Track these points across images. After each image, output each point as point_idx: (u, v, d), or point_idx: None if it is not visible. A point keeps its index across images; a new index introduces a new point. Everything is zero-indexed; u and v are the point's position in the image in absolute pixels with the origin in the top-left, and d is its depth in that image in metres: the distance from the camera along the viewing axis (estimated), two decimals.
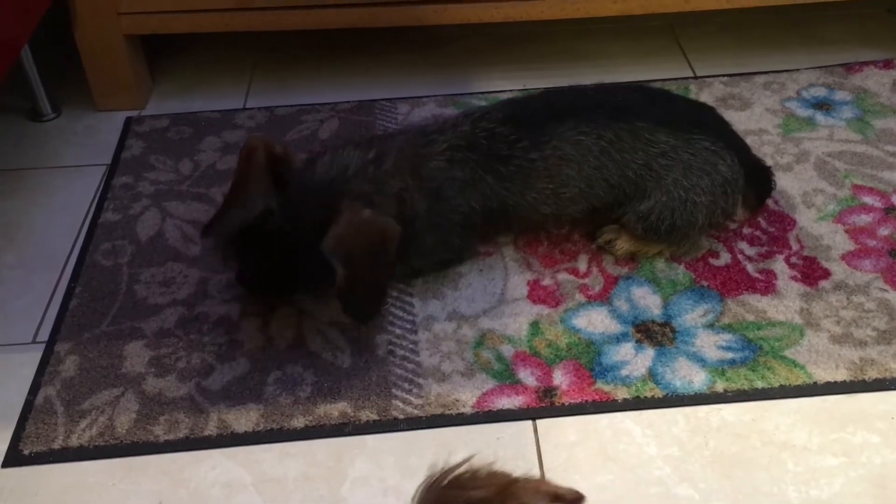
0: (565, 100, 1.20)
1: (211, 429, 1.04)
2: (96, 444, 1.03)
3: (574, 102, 1.18)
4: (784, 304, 1.15)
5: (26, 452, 1.02)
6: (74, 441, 1.03)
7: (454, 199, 1.15)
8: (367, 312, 1.11)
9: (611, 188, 1.16)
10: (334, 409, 1.05)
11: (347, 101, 1.58)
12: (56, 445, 1.03)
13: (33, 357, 1.14)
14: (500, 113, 1.17)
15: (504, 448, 1.01)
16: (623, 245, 1.20)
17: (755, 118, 1.49)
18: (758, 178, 1.24)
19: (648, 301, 1.17)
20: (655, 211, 1.15)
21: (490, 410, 1.04)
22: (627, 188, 1.16)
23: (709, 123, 1.21)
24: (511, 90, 1.59)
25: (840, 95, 1.53)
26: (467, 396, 1.06)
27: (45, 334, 1.17)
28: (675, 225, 1.16)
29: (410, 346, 1.13)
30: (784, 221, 1.28)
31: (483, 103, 1.55)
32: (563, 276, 1.21)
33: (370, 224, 1.05)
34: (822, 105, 1.51)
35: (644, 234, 1.18)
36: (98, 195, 1.40)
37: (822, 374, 1.06)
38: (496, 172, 1.15)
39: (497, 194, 1.16)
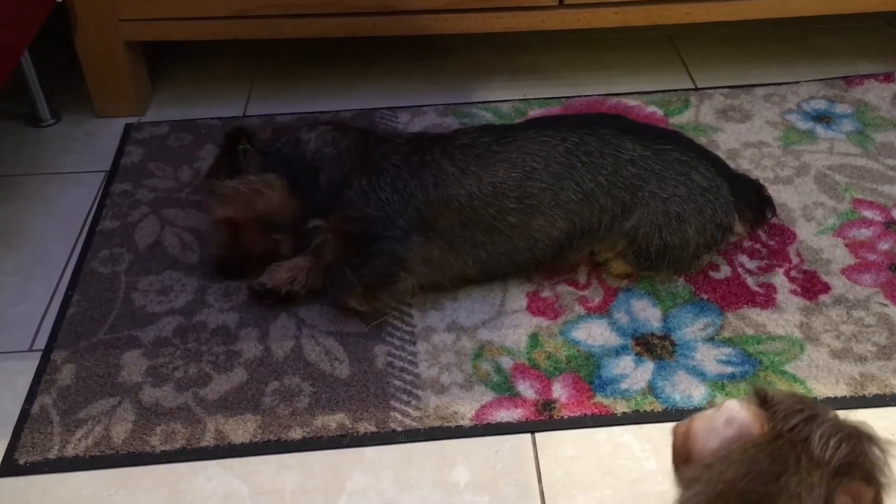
0: (527, 121, 1.26)
1: (208, 439, 1.03)
2: (92, 454, 1.02)
3: (536, 120, 1.24)
4: (784, 318, 1.15)
5: (21, 462, 1.01)
6: (70, 451, 1.02)
7: (389, 158, 1.15)
8: (233, 268, 1.22)
9: (584, 197, 1.12)
10: (332, 421, 1.05)
11: (348, 110, 1.58)
12: (52, 455, 1.02)
13: (30, 365, 1.13)
14: (470, 128, 1.22)
15: (502, 461, 1.01)
16: (619, 267, 1.19)
17: (755, 130, 1.49)
18: (745, 190, 1.22)
19: (648, 314, 1.16)
20: (641, 229, 1.13)
21: (489, 423, 1.04)
22: (602, 198, 1.13)
23: (675, 138, 1.20)
24: (511, 100, 1.59)
25: (840, 108, 1.53)
26: (466, 409, 1.05)
27: (41, 342, 1.16)
28: (667, 245, 1.14)
29: (409, 357, 1.12)
30: (784, 235, 1.27)
31: (483, 113, 1.55)
32: (562, 288, 1.21)
33: (249, 187, 1.17)
34: (823, 118, 1.51)
35: (636, 262, 1.16)
36: (96, 202, 1.39)
37: (823, 390, 1.06)
38: (451, 155, 1.15)
39: (450, 179, 1.13)
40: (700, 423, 0.67)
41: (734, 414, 0.65)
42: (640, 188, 1.13)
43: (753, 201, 1.24)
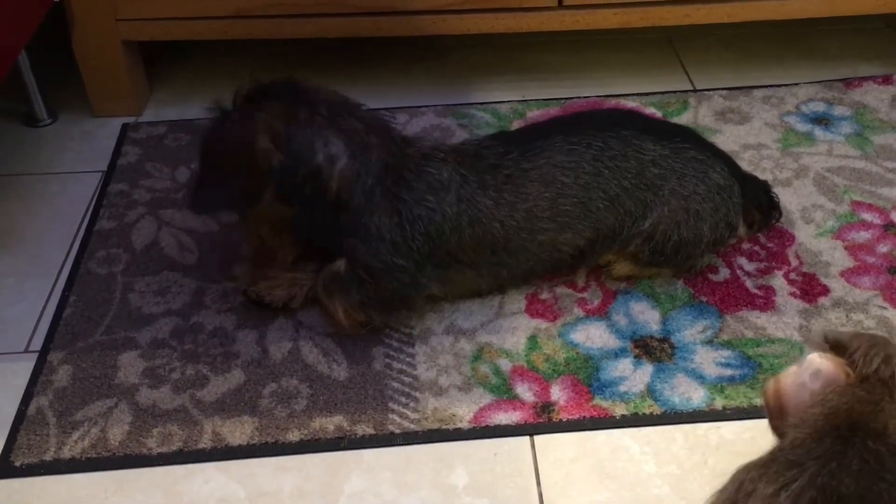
0: (546, 124, 1.21)
1: (205, 442, 1.03)
2: (88, 456, 1.01)
3: (556, 123, 1.20)
4: (783, 320, 1.15)
5: (17, 464, 1.01)
6: (66, 453, 1.02)
7: (423, 200, 1.07)
8: (203, 204, 1.14)
9: (610, 203, 1.13)
10: (330, 423, 1.04)
11: None
12: (48, 457, 1.01)
13: (26, 366, 1.12)
14: (485, 139, 1.17)
15: (501, 464, 1.00)
16: (622, 268, 1.19)
17: (754, 132, 1.48)
18: (755, 192, 1.23)
19: (647, 316, 1.16)
20: (661, 227, 1.13)
21: (487, 426, 1.04)
22: (627, 202, 1.13)
23: (690, 136, 1.20)
24: (510, 100, 1.59)
25: (839, 110, 1.53)
26: (464, 411, 1.05)
27: (38, 343, 1.16)
28: (682, 240, 1.14)
29: (407, 359, 1.12)
30: (783, 237, 1.27)
31: (482, 114, 1.55)
32: (561, 290, 1.20)
33: (245, 128, 1.06)
34: (822, 120, 1.51)
35: (650, 257, 1.16)
36: (93, 202, 1.39)
37: None
38: (482, 181, 1.09)
39: (481, 208, 1.08)
40: (788, 380, 0.72)
41: (819, 367, 0.70)
42: (662, 187, 1.13)
43: (763, 203, 1.24)
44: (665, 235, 1.14)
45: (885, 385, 0.67)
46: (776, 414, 0.71)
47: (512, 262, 1.14)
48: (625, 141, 1.13)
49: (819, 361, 0.69)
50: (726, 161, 1.19)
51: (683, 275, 1.21)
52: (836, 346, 0.71)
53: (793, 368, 0.69)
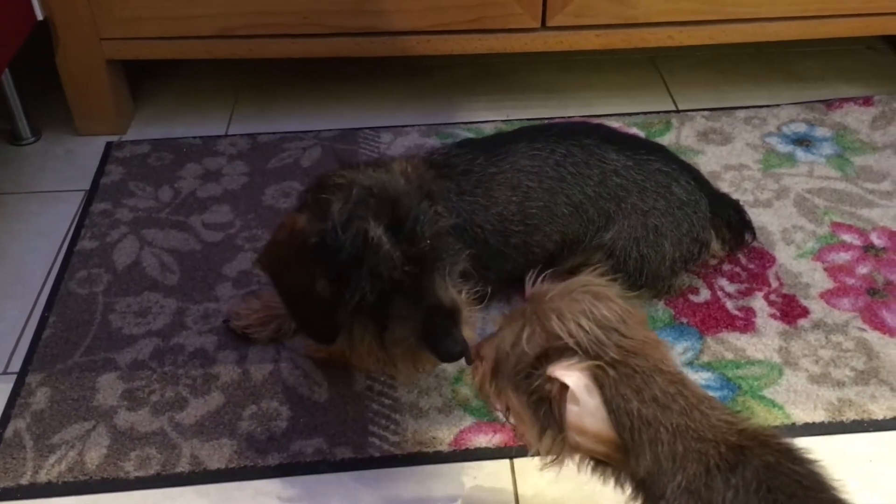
0: (512, 132, 1.21)
1: (183, 465, 1.02)
2: (65, 479, 1.00)
3: (522, 131, 1.20)
4: (763, 342, 1.15)
5: None
6: (43, 477, 1.01)
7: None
8: (320, 330, 1.02)
9: (574, 209, 1.13)
10: (309, 446, 1.04)
11: (330, 130, 1.58)
12: (24, 481, 1.00)
13: (4, 388, 1.12)
14: (451, 147, 1.17)
15: (480, 488, 1.00)
16: None
17: (736, 153, 1.49)
18: (725, 210, 1.23)
19: None
20: (620, 241, 1.14)
21: (467, 449, 1.03)
22: (590, 209, 1.13)
23: (656, 149, 1.20)
24: (494, 120, 1.60)
25: (820, 132, 1.54)
26: (445, 434, 1.05)
27: (16, 365, 1.15)
28: (644, 258, 1.14)
29: (388, 380, 1.12)
30: (764, 258, 1.28)
31: (466, 133, 1.55)
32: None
33: (289, 229, 0.96)
34: (803, 141, 1.52)
35: (615, 277, 1.16)
36: (75, 222, 1.38)
37: (801, 415, 1.06)
38: (457, 185, 1.10)
39: (462, 209, 1.09)
40: (585, 419, 0.73)
41: (578, 381, 0.72)
42: (624, 199, 1.14)
43: (733, 222, 1.24)
44: (625, 252, 1.14)
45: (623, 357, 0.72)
46: (612, 449, 0.73)
47: (493, 266, 1.14)
48: (587, 150, 1.14)
49: (574, 377, 0.71)
50: (693, 175, 1.19)
51: (663, 296, 1.21)
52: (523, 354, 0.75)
53: (572, 408, 0.71)
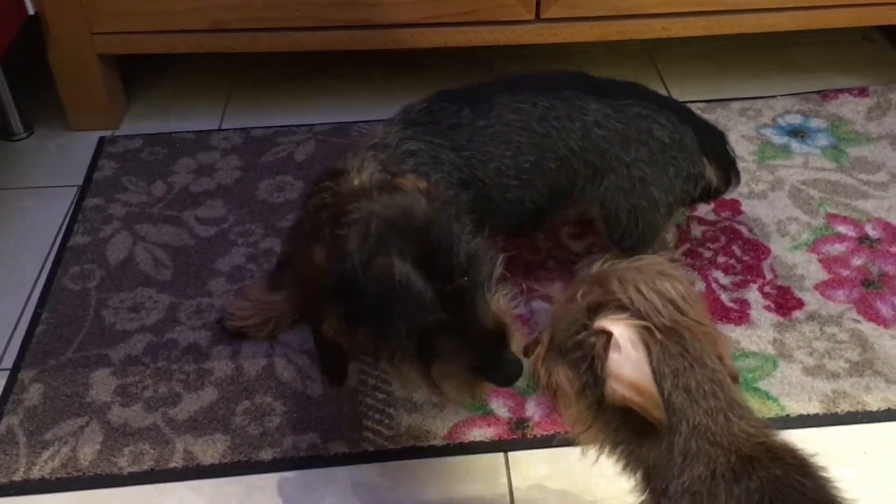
0: (490, 84, 1.16)
1: (177, 460, 1.02)
2: (58, 476, 1.00)
3: (500, 82, 1.16)
4: (757, 334, 1.15)
5: None
6: (36, 473, 1.01)
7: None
8: (330, 371, 1.00)
9: (561, 164, 1.11)
10: (303, 441, 1.04)
11: (324, 124, 1.57)
12: (17, 477, 1.00)
13: None
14: (430, 99, 1.12)
15: (475, 481, 1.00)
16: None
17: (731, 145, 1.49)
18: (712, 143, 1.19)
19: None
20: (609, 193, 1.12)
21: (461, 442, 1.03)
22: (576, 163, 1.11)
23: (637, 91, 1.18)
24: None
25: (815, 123, 1.54)
26: (439, 427, 1.05)
27: (9, 361, 1.15)
28: (635, 207, 1.12)
29: (382, 375, 1.11)
30: (758, 250, 1.28)
31: None
32: (537, 304, 1.20)
33: (310, 263, 0.90)
34: (798, 132, 1.52)
35: (610, 234, 1.14)
36: (68, 217, 1.38)
37: (795, 407, 1.06)
38: (450, 141, 1.06)
39: (461, 165, 1.05)
40: (625, 368, 0.70)
41: (623, 333, 0.71)
42: (607, 150, 1.11)
43: (720, 155, 1.20)
44: (615, 204, 1.12)
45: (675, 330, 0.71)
46: (652, 404, 0.70)
47: (489, 220, 1.05)
48: (568, 102, 1.12)
49: (620, 327, 0.70)
50: (675, 111, 1.17)
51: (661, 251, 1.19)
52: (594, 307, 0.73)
53: (613, 355, 0.70)
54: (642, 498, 0.75)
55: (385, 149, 1.02)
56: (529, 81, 1.16)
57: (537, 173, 1.11)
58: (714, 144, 1.19)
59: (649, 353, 0.70)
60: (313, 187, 1.00)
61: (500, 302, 0.92)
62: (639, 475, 0.75)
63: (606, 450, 0.78)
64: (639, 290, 0.71)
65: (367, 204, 0.88)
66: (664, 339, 0.70)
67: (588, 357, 0.72)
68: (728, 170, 1.21)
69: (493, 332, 0.88)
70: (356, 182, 0.95)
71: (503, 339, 0.89)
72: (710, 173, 1.18)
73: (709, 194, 1.22)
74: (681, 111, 1.18)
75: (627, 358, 0.69)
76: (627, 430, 0.73)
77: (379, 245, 0.84)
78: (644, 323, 0.70)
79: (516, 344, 0.91)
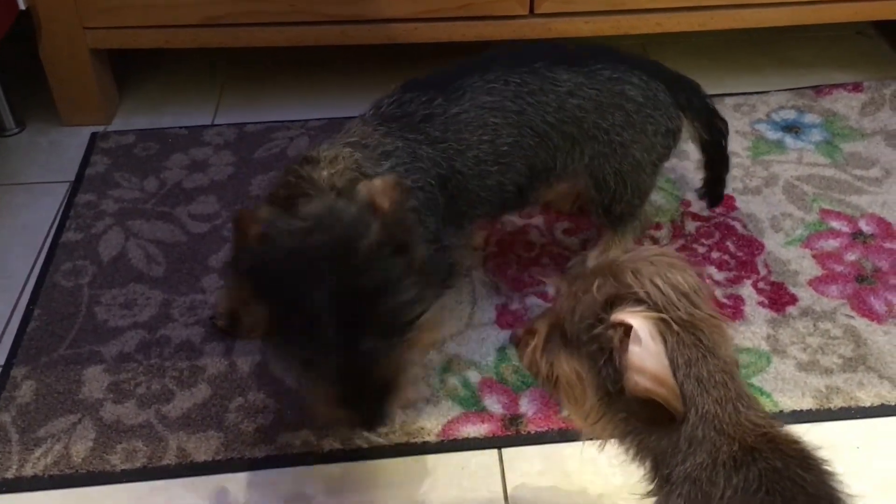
0: (459, 67, 1.13)
1: (170, 458, 1.01)
2: (51, 473, 1.00)
3: (468, 63, 1.13)
4: (751, 330, 1.15)
5: None
6: (28, 470, 1.00)
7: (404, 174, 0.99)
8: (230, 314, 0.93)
9: (540, 140, 1.09)
10: (297, 438, 1.03)
11: (318, 119, 1.57)
12: (9, 475, 1.00)
13: None
14: (399, 91, 1.10)
15: (469, 477, 1.00)
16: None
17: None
18: (686, 95, 1.17)
19: None
20: (595, 161, 1.11)
21: (455, 439, 1.03)
22: (554, 136, 1.10)
23: (606, 54, 1.15)
24: None
25: (809, 118, 1.54)
26: (432, 424, 1.04)
27: (1, 358, 1.14)
28: (621, 170, 1.12)
29: None
30: (752, 246, 1.28)
31: None
32: (531, 301, 1.20)
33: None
34: (792, 128, 1.52)
35: (601, 200, 1.14)
36: (60, 213, 1.37)
37: (789, 403, 1.06)
38: (425, 135, 1.04)
39: (438, 159, 1.03)
40: (646, 360, 0.71)
41: (642, 326, 0.71)
42: (584, 119, 1.10)
43: (695, 106, 1.18)
44: (602, 171, 1.12)
45: (691, 323, 0.72)
46: (673, 395, 0.71)
47: (468, 211, 1.09)
48: (539, 75, 1.10)
49: (639, 320, 0.70)
50: (645, 68, 1.15)
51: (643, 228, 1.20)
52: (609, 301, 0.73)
53: (634, 348, 0.70)
54: (651, 486, 0.76)
55: (363, 148, 1.00)
56: (498, 58, 1.13)
57: (517, 154, 1.09)
58: (690, 98, 1.18)
59: (666, 342, 0.71)
60: (285, 169, 0.98)
61: (404, 357, 0.89)
62: (648, 464, 0.76)
63: (615, 440, 0.78)
64: (654, 284, 0.72)
65: (321, 205, 0.86)
66: (680, 330, 0.71)
67: (606, 350, 0.72)
68: (709, 118, 1.19)
69: (382, 385, 0.87)
70: (324, 173, 0.94)
71: (390, 393, 0.88)
72: (689, 129, 1.17)
73: (704, 149, 1.21)
74: (650, 66, 1.16)
75: (648, 349, 0.70)
76: (638, 421, 0.74)
77: (309, 264, 0.81)
78: (662, 315, 0.71)
79: (399, 402, 0.91)
